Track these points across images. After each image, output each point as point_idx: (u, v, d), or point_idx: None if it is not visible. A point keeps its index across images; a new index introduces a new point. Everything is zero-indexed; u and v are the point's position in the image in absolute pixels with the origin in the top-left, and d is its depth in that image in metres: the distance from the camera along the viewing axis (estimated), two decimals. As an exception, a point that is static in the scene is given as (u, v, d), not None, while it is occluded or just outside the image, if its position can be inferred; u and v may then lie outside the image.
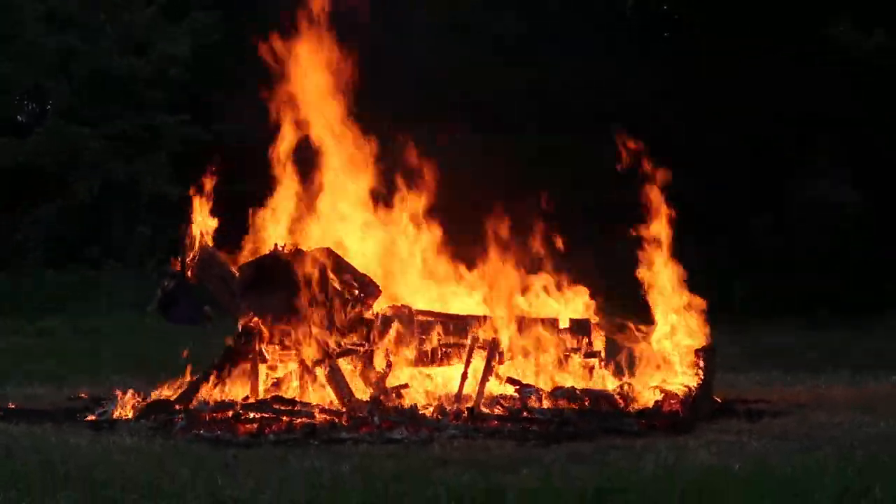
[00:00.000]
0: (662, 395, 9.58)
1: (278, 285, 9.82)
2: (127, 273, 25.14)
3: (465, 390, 9.60)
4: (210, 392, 9.70)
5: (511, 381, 9.82)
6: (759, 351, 14.67)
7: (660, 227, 10.73)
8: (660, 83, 27.11)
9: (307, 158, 11.17)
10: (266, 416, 9.03)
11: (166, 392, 10.04)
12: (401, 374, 9.95)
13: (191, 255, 10.80)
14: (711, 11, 26.78)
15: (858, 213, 23.91)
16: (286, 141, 11.18)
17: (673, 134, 26.66)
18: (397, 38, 25.29)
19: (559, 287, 11.02)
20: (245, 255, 10.57)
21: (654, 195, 11.02)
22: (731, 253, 24.03)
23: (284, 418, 8.96)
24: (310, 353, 9.72)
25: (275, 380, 9.88)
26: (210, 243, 10.79)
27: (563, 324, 10.51)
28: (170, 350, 11.32)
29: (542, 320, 10.45)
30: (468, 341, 9.97)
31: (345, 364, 9.74)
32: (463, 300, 10.89)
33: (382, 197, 11.29)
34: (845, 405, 9.78)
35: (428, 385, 10.03)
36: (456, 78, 26.18)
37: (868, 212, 23.97)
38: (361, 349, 9.84)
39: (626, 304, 10.85)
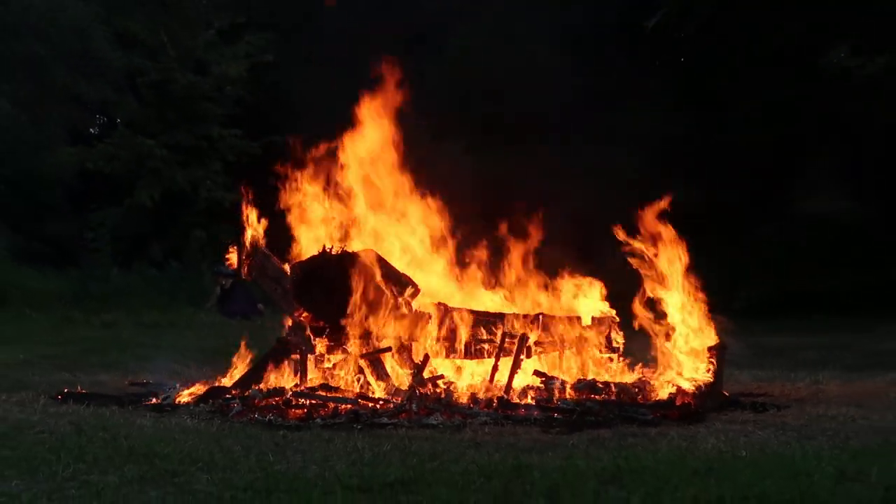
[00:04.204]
0: (676, 388, 9.59)
1: (326, 284, 9.91)
2: (184, 272, 25.32)
3: (496, 381, 9.68)
4: (263, 380, 9.80)
5: (538, 373, 9.87)
6: (762, 350, 14.61)
7: (673, 237, 10.73)
8: (672, 101, 27.18)
9: (352, 168, 11.26)
10: (314, 402, 9.09)
11: (223, 379, 10.15)
12: (437, 366, 10.03)
13: (245, 256, 10.90)
14: (719, 36, 26.74)
15: (855, 224, 23.87)
16: (334, 152, 11.28)
17: (683, 149, 26.79)
18: (437, 61, 25.46)
19: (583, 288, 11.07)
20: (295, 256, 10.66)
21: (666, 209, 11.01)
22: (737, 260, 23.98)
23: (330, 404, 9.02)
24: (354, 345, 9.81)
25: (322, 370, 9.93)
26: (263, 246, 10.89)
27: (586, 321, 10.56)
28: (224, 342, 11.39)
29: (567, 318, 10.50)
30: (498, 337, 10.04)
31: (386, 356, 9.80)
32: (494, 299, 10.95)
33: (422, 205, 11.37)
34: (840, 400, 9.77)
35: (462, 376, 10.09)
36: (487, 99, 26.29)
37: (864, 223, 23.93)
38: (401, 343, 9.91)
39: (643, 306, 10.87)
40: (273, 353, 10.06)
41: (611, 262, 11.62)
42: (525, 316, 10.34)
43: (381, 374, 9.60)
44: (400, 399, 9.13)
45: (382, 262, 10.10)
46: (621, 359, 10.60)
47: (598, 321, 10.61)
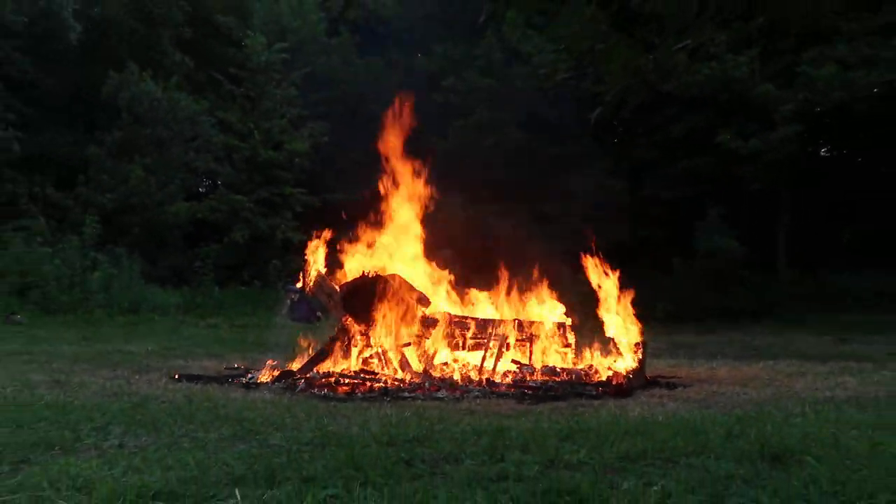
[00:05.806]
0: (612, 372, 9.59)
1: (365, 297, 9.90)
2: (265, 290, 25.31)
3: (485, 367, 9.66)
4: (320, 365, 9.78)
5: (515, 361, 9.86)
6: (673, 346, 14.57)
7: (612, 266, 10.73)
8: (609, 167, 27.37)
9: (385, 218, 11.28)
10: (356, 381, 9.09)
11: (292, 365, 10.12)
12: (443, 356, 10.02)
13: (309, 278, 10.90)
14: (642, 122, 26.87)
15: (738, 257, 23.93)
16: (372, 206, 11.33)
17: (617, 202, 26.92)
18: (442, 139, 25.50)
19: (547, 303, 11.06)
20: (343, 278, 10.66)
21: (606, 248, 11.02)
22: (655, 282, 23.93)
23: (368, 383, 9.01)
24: (385, 341, 9.79)
25: (362, 359, 9.92)
26: (321, 271, 10.89)
27: (548, 325, 10.53)
28: (292, 339, 11.37)
29: (535, 322, 10.48)
30: (487, 336, 10.02)
31: (407, 349, 9.79)
32: (483, 309, 10.93)
33: (433, 243, 11.40)
34: (728, 381, 9.74)
35: (460, 363, 10.07)
36: (478, 167, 26.36)
37: (744, 257, 24.02)
38: (418, 339, 9.90)
39: (589, 314, 10.88)
40: (327, 347, 10.04)
41: (567, 284, 11.63)
42: (506, 321, 10.33)
43: (404, 362, 9.58)
44: (417, 379, 9.12)
45: (405, 283, 10.11)
46: (574, 352, 10.58)
47: (557, 325, 10.59)
